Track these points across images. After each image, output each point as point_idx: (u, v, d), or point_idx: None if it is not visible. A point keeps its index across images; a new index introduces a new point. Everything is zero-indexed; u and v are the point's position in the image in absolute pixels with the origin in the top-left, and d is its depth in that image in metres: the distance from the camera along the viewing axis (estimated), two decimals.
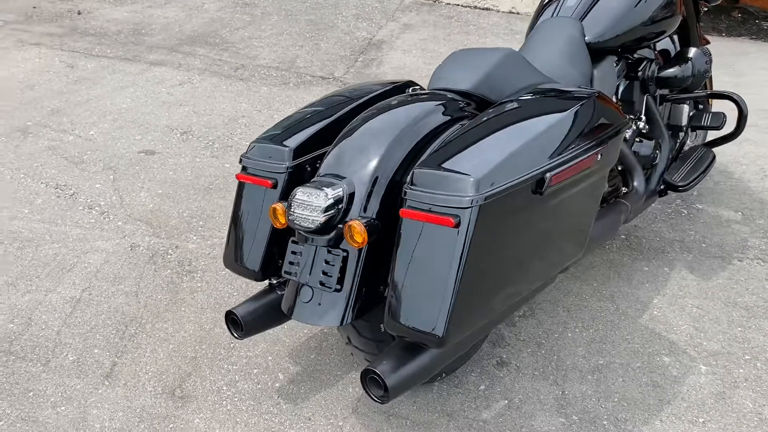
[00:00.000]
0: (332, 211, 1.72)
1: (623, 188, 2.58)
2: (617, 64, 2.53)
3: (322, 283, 1.74)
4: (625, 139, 2.59)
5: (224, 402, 2.11)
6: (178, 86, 4.43)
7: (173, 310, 2.48)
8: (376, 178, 1.76)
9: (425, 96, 1.99)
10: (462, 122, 1.88)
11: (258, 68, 4.78)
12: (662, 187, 2.67)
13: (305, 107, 2.15)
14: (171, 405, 2.09)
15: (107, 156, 3.54)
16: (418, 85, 2.24)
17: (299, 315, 1.78)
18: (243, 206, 1.99)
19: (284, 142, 1.95)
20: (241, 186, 2.00)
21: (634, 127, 2.66)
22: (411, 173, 1.65)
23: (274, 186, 1.92)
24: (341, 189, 1.74)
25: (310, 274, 1.77)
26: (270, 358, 2.27)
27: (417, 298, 1.58)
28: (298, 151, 1.94)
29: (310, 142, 1.97)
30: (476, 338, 1.85)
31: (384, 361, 1.64)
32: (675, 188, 2.64)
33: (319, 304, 1.76)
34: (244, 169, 1.98)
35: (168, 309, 2.49)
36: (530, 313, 2.53)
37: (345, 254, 1.74)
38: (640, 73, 2.58)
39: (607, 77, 2.44)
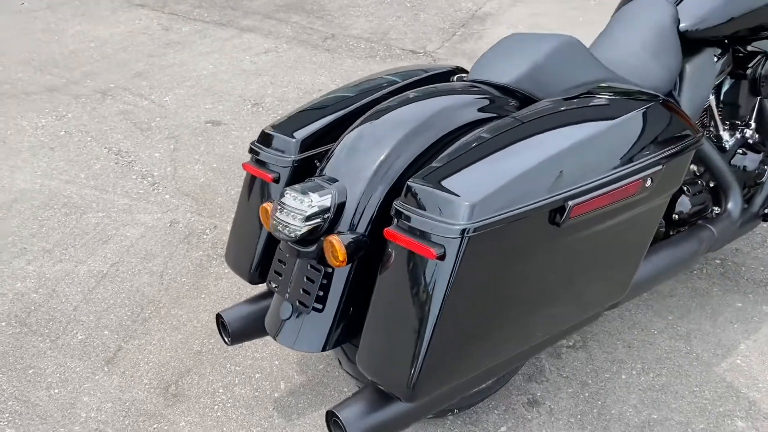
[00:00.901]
0: (317, 221, 1.48)
1: (715, 208, 2.14)
2: (720, 58, 2.07)
3: (301, 302, 1.52)
4: (723, 150, 2.15)
5: (216, 407, 1.96)
6: (262, 54, 4.32)
7: (193, 296, 2.36)
8: (374, 183, 1.50)
9: (455, 88, 1.69)
10: (491, 125, 1.56)
11: (348, 39, 4.57)
12: (767, 210, 2.20)
13: (332, 92, 1.91)
14: (161, 402, 1.97)
15: (174, 124, 3.49)
16: (467, 72, 1.93)
17: (278, 334, 1.57)
18: (245, 199, 1.80)
19: (294, 132, 1.72)
20: (246, 177, 1.81)
21: (738, 136, 2.19)
22: (405, 185, 1.38)
23: (276, 181, 1.70)
24: (330, 195, 1.49)
25: (290, 288, 1.55)
26: (276, 362, 2.09)
27: (389, 338, 1.32)
28: (308, 143, 1.70)
29: (324, 133, 1.72)
30: (477, 385, 1.56)
31: (351, 405, 1.39)
32: None
33: (300, 325, 1.54)
34: (255, 159, 1.78)
35: (188, 295, 2.37)
36: (581, 344, 2.18)
37: (330, 271, 1.50)
38: (749, 71, 2.10)
39: (703, 74, 2.00)
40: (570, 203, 1.30)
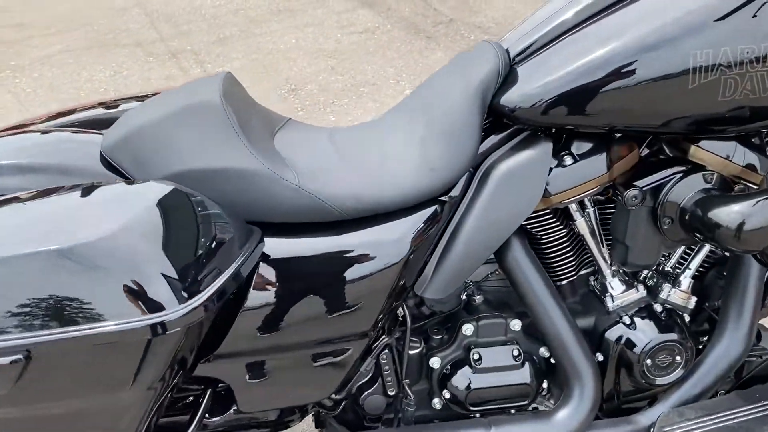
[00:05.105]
0: None
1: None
2: (581, 159, 1.20)
3: None
4: (606, 310, 1.30)
5: None
6: (356, 34, 3.91)
7: None
8: None
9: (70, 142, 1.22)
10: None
11: (463, 26, 3.92)
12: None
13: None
14: None
15: None
16: None
17: None
18: None
19: None
20: None
21: (642, 293, 1.30)
22: None
23: None
24: None
25: None
26: None
27: None
28: None
29: None
30: None
31: None
32: None
33: None
34: None
35: None
36: None
37: None
38: (630, 194, 1.19)
39: (522, 183, 1.17)
40: None
